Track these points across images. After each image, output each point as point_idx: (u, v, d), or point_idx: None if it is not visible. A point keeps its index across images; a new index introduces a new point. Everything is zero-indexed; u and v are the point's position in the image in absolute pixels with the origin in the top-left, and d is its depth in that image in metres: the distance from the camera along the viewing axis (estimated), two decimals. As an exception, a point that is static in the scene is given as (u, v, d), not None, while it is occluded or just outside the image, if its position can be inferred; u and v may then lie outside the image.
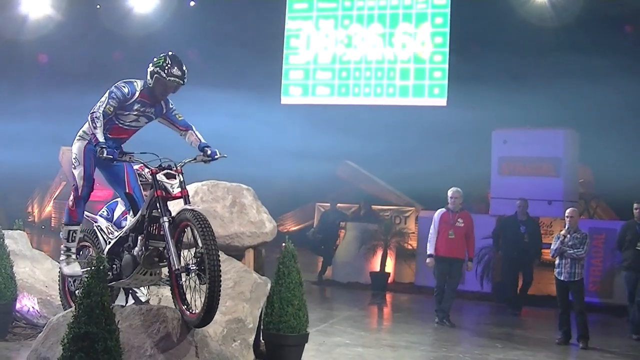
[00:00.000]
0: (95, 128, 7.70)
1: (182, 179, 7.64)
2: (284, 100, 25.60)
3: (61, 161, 31.03)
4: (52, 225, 31.86)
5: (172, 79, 7.90)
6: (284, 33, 25.66)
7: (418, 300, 18.46)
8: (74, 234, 8.35)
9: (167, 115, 8.31)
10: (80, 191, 8.14)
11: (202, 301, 7.12)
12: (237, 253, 10.10)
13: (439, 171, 20.79)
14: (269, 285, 9.87)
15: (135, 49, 24.80)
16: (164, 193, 7.53)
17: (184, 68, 7.98)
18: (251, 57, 25.57)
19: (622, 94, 20.19)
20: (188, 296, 7.45)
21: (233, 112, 22.63)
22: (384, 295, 18.88)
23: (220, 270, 7.02)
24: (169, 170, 7.63)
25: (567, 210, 13.98)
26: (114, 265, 7.93)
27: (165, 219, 7.43)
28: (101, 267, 6.22)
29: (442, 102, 23.73)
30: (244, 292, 9.37)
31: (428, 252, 15.28)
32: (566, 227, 13.76)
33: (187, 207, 7.42)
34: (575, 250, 13.41)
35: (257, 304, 9.52)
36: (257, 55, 25.44)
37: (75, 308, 6.09)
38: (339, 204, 22.63)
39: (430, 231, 15.25)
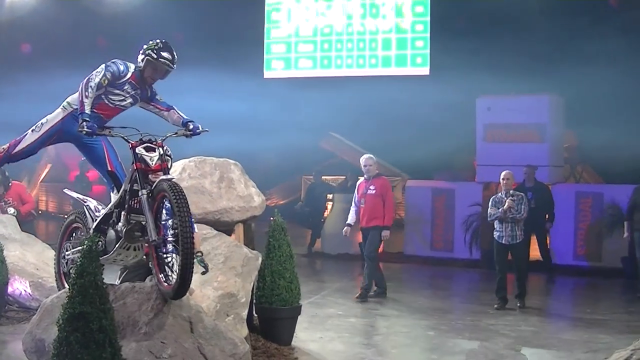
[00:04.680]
0: (86, 97, 7.85)
1: (162, 152, 7.65)
2: (267, 74, 25.47)
3: (45, 143, 30.92)
4: (40, 208, 31.79)
5: (163, 61, 8.11)
6: (264, 7, 25.54)
7: (408, 270, 18.54)
8: None
9: (150, 99, 8.47)
10: (13, 151, 8.41)
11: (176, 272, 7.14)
12: (226, 228, 10.09)
13: (424, 140, 20.82)
14: (260, 259, 9.88)
15: (115, 27, 24.70)
16: (143, 166, 7.55)
17: (175, 54, 8.20)
18: (232, 33, 25.46)
19: (605, 56, 20.19)
20: (167, 268, 7.46)
21: (215, 88, 22.54)
22: (374, 266, 18.93)
23: (193, 241, 7.01)
24: (148, 144, 7.65)
25: (502, 173, 13.66)
26: (99, 242, 7.89)
27: (144, 191, 7.45)
28: (93, 247, 6.22)
29: (425, 71, 23.65)
30: (235, 267, 9.38)
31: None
32: (503, 191, 13.53)
33: (163, 177, 7.44)
34: (515, 214, 13.25)
35: (248, 278, 9.53)
36: (238, 30, 25.33)
37: (69, 288, 6.10)
38: (325, 177, 22.65)
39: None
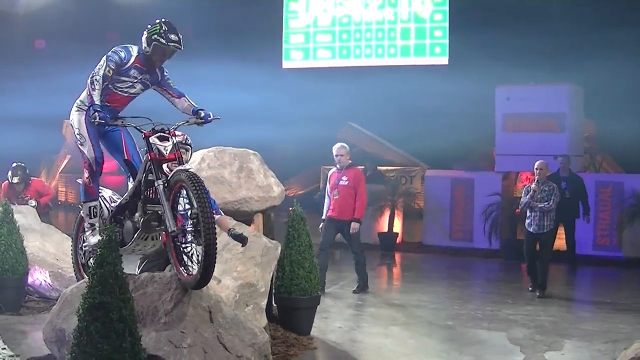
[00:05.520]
0: (93, 90, 7.77)
1: (175, 142, 7.64)
2: (285, 64, 25.51)
3: (65, 134, 30.98)
4: (59, 198, 31.89)
5: (172, 44, 7.98)
6: (282, -3, 25.55)
7: (427, 260, 18.52)
8: (95, 210, 8.33)
9: (162, 83, 8.38)
10: (94, 167, 8.17)
11: (199, 262, 7.12)
12: (246, 218, 10.11)
13: (443, 130, 20.76)
14: (279, 249, 9.89)
15: (128, 19, 24.69)
16: (157, 155, 7.55)
17: (179, 34, 8.07)
18: (250, 23, 25.46)
19: (625, 45, 20.07)
20: (185, 258, 7.46)
21: (233, 79, 22.53)
22: (393, 256, 18.95)
23: (215, 230, 7.00)
24: (162, 133, 7.64)
25: (536, 163, 13.90)
26: (117, 233, 7.88)
27: (160, 181, 7.44)
28: (112, 237, 6.23)
29: (444, 60, 23.60)
30: (254, 257, 9.39)
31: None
32: (535, 180, 13.79)
33: (180, 167, 7.45)
34: (544, 203, 13.53)
35: (268, 268, 9.55)
36: (256, 21, 25.33)
37: (89, 278, 6.11)
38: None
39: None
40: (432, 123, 21.34)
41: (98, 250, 6.21)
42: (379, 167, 22.09)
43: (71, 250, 9.16)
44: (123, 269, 6.22)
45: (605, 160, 22.12)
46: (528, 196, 13.64)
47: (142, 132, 7.69)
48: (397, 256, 18.94)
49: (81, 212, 8.83)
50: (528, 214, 13.80)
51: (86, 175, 8.24)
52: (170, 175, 7.45)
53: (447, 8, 23.57)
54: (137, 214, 7.79)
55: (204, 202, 6.99)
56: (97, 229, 8.24)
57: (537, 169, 13.82)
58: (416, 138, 21.53)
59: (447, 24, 23.56)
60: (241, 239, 7.93)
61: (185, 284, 7.36)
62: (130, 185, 8.12)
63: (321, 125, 22.22)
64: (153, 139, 7.58)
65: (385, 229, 19.74)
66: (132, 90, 8.26)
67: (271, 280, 9.79)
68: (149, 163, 7.61)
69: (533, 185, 13.69)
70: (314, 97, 23.70)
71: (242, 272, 9.15)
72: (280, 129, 22.59)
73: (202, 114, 8.11)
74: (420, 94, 21.24)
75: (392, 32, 24.26)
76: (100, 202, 8.41)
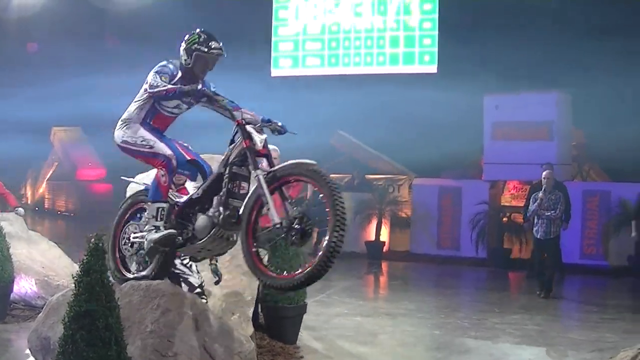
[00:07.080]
0: (157, 85, 7.47)
1: (266, 137, 7.32)
2: (274, 72, 25.51)
3: (53, 142, 30.94)
4: (46, 206, 31.83)
5: (215, 51, 7.79)
6: (272, 5, 25.54)
7: (414, 268, 18.54)
8: (162, 212, 7.61)
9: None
10: (174, 161, 7.58)
11: (311, 261, 6.76)
12: (233, 227, 10.07)
13: (431, 138, 20.78)
14: (266, 257, 9.86)
15: (120, 27, 24.70)
16: (252, 145, 7.14)
17: (220, 41, 7.88)
18: (239, 31, 25.46)
19: (613, 53, 20.12)
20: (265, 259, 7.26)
21: (221, 87, 22.54)
22: (380, 264, 18.95)
23: (343, 236, 6.59)
24: (253, 125, 7.31)
25: (544, 173, 14.63)
26: (184, 230, 7.45)
27: (260, 172, 6.96)
28: (99, 244, 6.19)
29: (433, 69, 23.63)
30: (241, 265, 9.33)
31: None
32: (543, 189, 14.39)
33: (305, 161, 7.01)
34: (551, 211, 14.25)
35: (254, 277, 9.51)
36: (245, 28, 25.34)
37: (75, 286, 6.08)
38: (332, 174, 22.62)
39: None
40: (421, 131, 21.36)
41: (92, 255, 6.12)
42: (367, 176, 22.12)
43: (109, 246, 8.09)
44: (109, 276, 6.20)
45: (593, 169, 22.18)
46: (536, 204, 14.30)
47: (236, 119, 7.39)
48: (384, 265, 18.95)
49: (123, 205, 8.26)
50: (535, 221, 14.46)
51: (163, 172, 7.58)
52: (280, 167, 7.05)
53: (436, 16, 23.60)
54: (212, 210, 7.27)
55: (339, 202, 6.63)
56: (161, 229, 7.54)
57: (544, 178, 14.53)
58: (404, 146, 21.56)
59: (436, 33, 23.59)
60: (218, 276, 7.81)
61: (274, 286, 7.16)
62: (192, 185, 7.89)
63: (310, 134, 22.22)
64: (250, 128, 7.23)
65: (373, 238, 19.74)
66: (177, 111, 7.91)
67: (258, 289, 9.77)
68: (241, 151, 7.23)
69: (540, 194, 14.31)
70: (303, 105, 23.70)
71: (228, 280, 9.13)
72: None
73: (280, 124, 7.75)
74: (409, 102, 21.28)
75: (381, 40, 24.28)
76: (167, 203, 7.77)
